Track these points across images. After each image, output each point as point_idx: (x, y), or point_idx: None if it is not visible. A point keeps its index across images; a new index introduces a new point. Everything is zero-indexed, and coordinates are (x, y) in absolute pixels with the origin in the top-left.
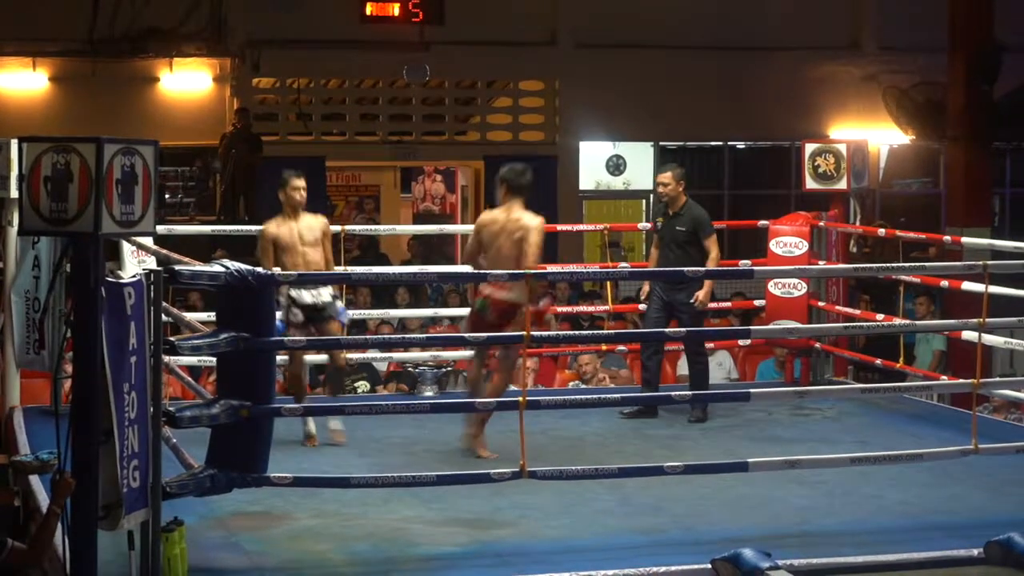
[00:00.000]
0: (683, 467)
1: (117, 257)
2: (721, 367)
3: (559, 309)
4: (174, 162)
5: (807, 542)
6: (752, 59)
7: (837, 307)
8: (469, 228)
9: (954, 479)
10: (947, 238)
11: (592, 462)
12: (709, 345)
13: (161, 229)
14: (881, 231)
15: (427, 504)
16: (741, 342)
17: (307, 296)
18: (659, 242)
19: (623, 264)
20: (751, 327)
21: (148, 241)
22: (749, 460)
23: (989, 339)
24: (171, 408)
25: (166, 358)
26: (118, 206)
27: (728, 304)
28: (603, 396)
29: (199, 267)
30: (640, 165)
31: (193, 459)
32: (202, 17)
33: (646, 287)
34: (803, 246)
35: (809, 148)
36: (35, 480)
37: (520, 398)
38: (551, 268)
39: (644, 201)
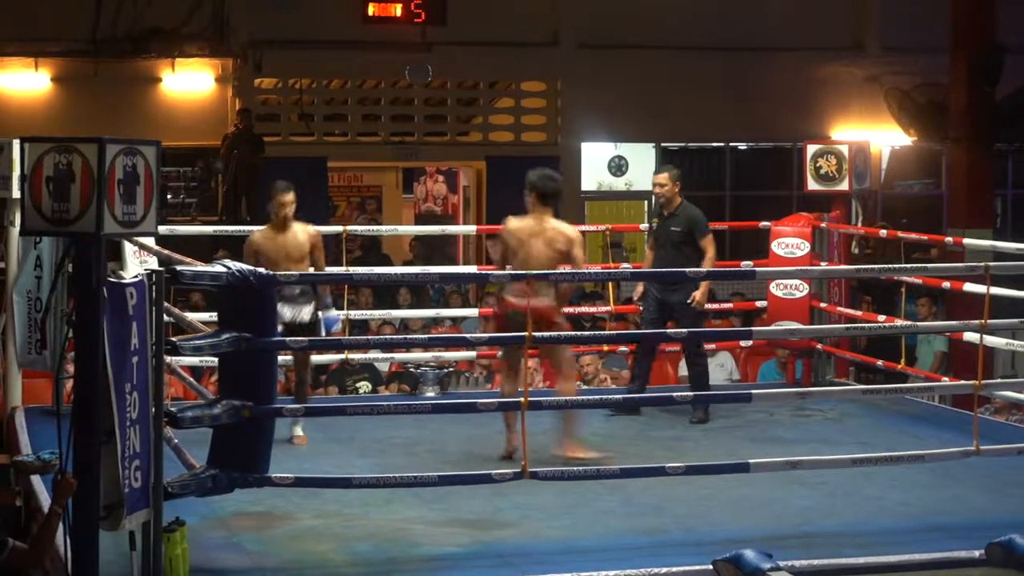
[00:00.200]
0: (685, 468)
1: (119, 257)
2: (723, 368)
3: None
4: (176, 162)
5: (808, 543)
6: (754, 60)
7: (839, 308)
8: (471, 229)
9: (955, 480)
10: (949, 239)
11: (594, 463)
12: (710, 346)
13: (163, 229)
14: (883, 232)
15: (429, 504)
16: (743, 343)
17: (287, 313)
18: (654, 243)
19: (625, 265)
20: (753, 328)
21: (150, 241)
22: (751, 461)
23: (991, 340)
24: (173, 408)
25: (168, 358)
26: (120, 206)
27: (729, 305)
28: (605, 397)
29: (201, 267)
30: (642, 166)
31: (195, 459)
32: (204, 17)
33: (639, 288)
34: (805, 247)
35: (811, 149)
36: (37, 480)
37: (522, 399)
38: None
39: (646, 202)
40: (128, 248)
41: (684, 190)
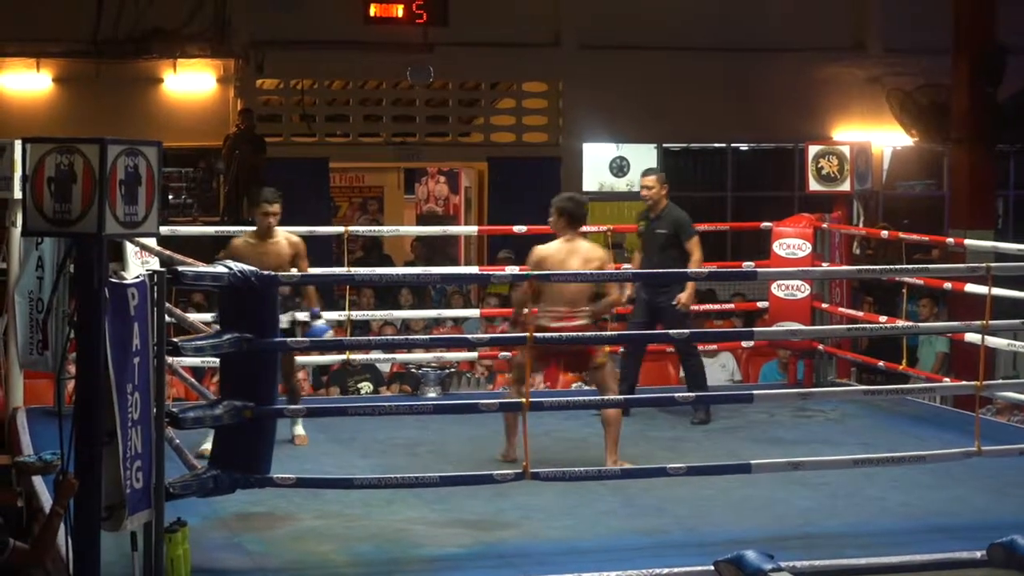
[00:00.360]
0: (686, 469)
1: (120, 258)
2: (724, 369)
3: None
4: (177, 163)
5: (810, 544)
6: (755, 61)
7: (840, 309)
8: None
9: (957, 481)
10: (950, 240)
11: (595, 463)
12: (712, 347)
13: (164, 230)
14: (884, 233)
15: (430, 505)
16: (744, 344)
17: None
18: (642, 246)
19: (626, 266)
20: (754, 329)
21: (151, 242)
22: (752, 462)
23: (992, 341)
24: (174, 409)
25: (169, 359)
26: (121, 207)
27: (731, 306)
28: (606, 398)
29: (202, 268)
30: (643, 167)
31: (196, 460)
32: (206, 18)
33: (628, 290)
34: (806, 248)
35: (812, 150)
36: (38, 481)
37: (524, 400)
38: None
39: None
40: (130, 249)
41: (686, 190)
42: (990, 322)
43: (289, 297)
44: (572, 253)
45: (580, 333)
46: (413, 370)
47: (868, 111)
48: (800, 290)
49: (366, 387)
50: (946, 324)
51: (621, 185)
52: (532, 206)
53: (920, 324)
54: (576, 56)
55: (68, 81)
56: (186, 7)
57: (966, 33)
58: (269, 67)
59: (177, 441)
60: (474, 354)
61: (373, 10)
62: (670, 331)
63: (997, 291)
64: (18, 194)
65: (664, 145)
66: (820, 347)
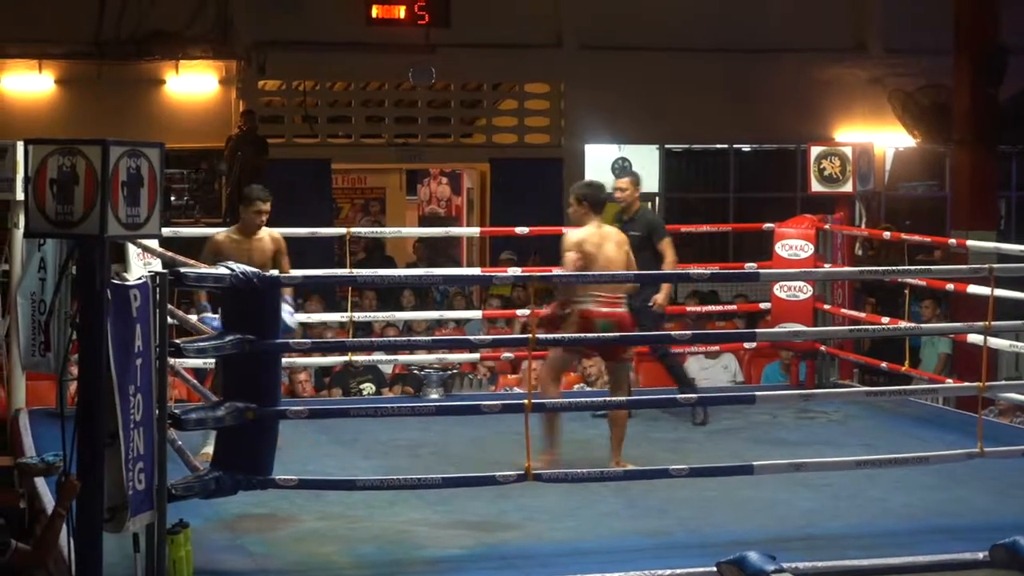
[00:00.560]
0: (688, 470)
1: (123, 259)
2: (726, 370)
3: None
4: (180, 164)
5: (812, 545)
6: (757, 61)
7: (842, 310)
8: (474, 231)
9: (959, 482)
10: (952, 241)
11: (598, 465)
12: (714, 348)
13: (166, 231)
14: (886, 234)
15: (433, 507)
16: (747, 345)
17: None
18: None
19: None
20: (756, 330)
21: (154, 243)
22: (754, 463)
23: (995, 342)
24: (176, 410)
25: (171, 360)
26: (124, 208)
27: (733, 307)
28: (608, 399)
29: (204, 269)
30: (645, 167)
31: (198, 461)
32: (208, 20)
33: None
34: (808, 249)
35: (814, 151)
36: (41, 482)
37: (526, 401)
38: (556, 271)
39: (649, 204)
40: (132, 250)
41: (688, 192)
42: (992, 323)
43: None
44: (605, 238)
45: (583, 335)
46: (415, 371)
47: (870, 112)
48: (802, 291)
49: (368, 388)
50: (948, 325)
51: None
52: (534, 207)
53: (922, 325)
54: (578, 57)
55: (70, 82)
56: (188, 9)
57: (967, 33)
58: (271, 68)
59: (179, 442)
60: (476, 355)
61: (375, 11)
62: (672, 333)
63: (999, 292)
64: (20, 195)
65: (666, 146)
66: (822, 348)
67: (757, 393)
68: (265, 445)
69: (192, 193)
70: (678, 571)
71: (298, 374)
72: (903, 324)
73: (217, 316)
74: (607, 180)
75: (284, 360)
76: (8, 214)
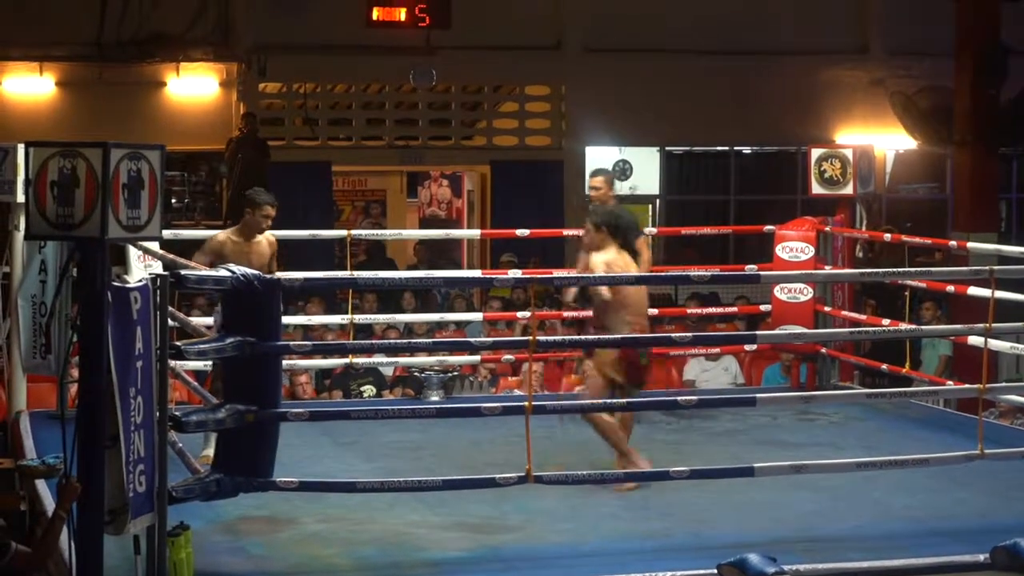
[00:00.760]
0: (689, 472)
1: (123, 262)
2: (727, 372)
3: (565, 314)
4: (180, 167)
5: (813, 547)
6: (758, 63)
7: (843, 312)
8: (475, 233)
9: (960, 484)
10: (953, 243)
11: (598, 467)
12: (715, 350)
13: (167, 234)
14: (887, 236)
15: (433, 509)
16: (747, 347)
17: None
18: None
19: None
20: (757, 332)
21: (154, 246)
22: (755, 465)
23: (995, 344)
24: (177, 412)
25: (172, 362)
26: (124, 211)
27: (734, 309)
28: (608, 401)
29: (205, 272)
30: (646, 170)
31: (198, 463)
32: (209, 22)
33: (573, 291)
34: (809, 251)
35: (815, 153)
36: (41, 484)
37: (526, 403)
38: (557, 273)
39: (650, 206)
40: (132, 252)
41: (689, 194)
42: (993, 325)
43: None
44: (628, 264)
45: (583, 337)
46: (416, 373)
47: (871, 114)
48: (803, 293)
49: (369, 390)
50: (949, 327)
51: (624, 188)
52: (535, 209)
53: (923, 327)
54: (579, 59)
55: (71, 85)
56: (189, 11)
57: (968, 35)
58: (272, 71)
59: (180, 445)
60: (477, 357)
61: (376, 14)
62: (673, 335)
63: (1000, 294)
64: (21, 198)
65: (667, 148)
66: (823, 350)
67: (758, 395)
68: (265, 447)
69: (193, 195)
70: (678, 573)
71: (299, 376)
72: (903, 326)
73: None
74: None
75: (285, 362)
76: (9, 216)
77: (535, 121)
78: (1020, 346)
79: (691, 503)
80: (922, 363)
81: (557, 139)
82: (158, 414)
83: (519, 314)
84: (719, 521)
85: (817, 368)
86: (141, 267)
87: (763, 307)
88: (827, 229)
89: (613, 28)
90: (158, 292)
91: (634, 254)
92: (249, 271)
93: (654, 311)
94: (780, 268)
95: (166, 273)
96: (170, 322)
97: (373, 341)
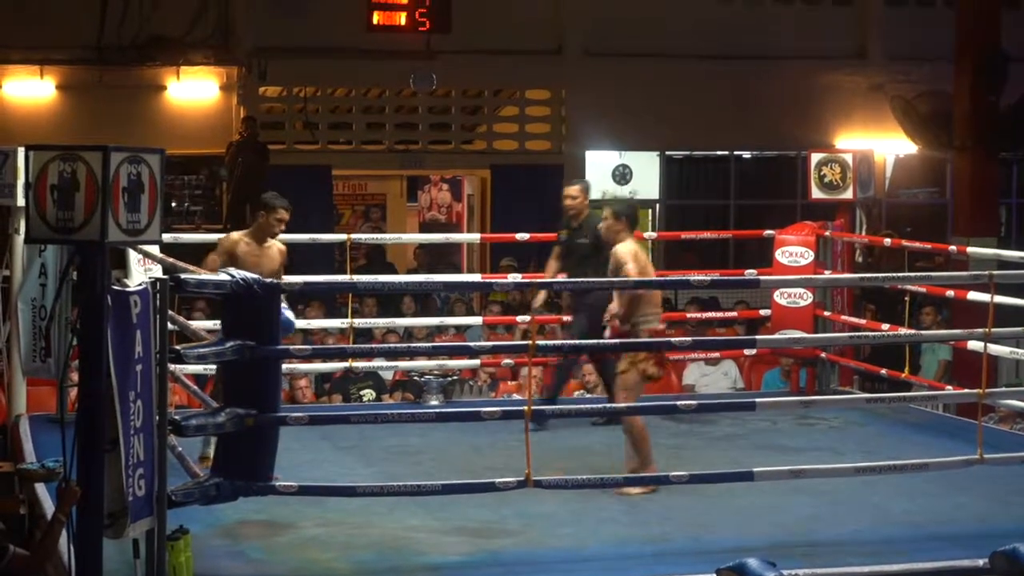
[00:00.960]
0: (688, 476)
1: (123, 265)
2: (727, 376)
3: (564, 319)
4: (180, 170)
5: (812, 551)
6: (758, 68)
7: (843, 317)
8: (475, 237)
9: (959, 489)
10: (953, 248)
11: (598, 471)
12: (715, 354)
13: (167, 237)
14: (887, 241)
15: (432, 513)
16: (747, 352)
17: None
18: (559, 254)
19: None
20: (757, 337)
21: (154, 249)
22: (755, 469)
23: (995, 349)
24: (176, 416)
25: (172, 366)
26: (124, 214)
27: (734, 314)
28: (608, 405)
29: (205, 276)
30: (646, 174)
31: (198, 467)
32: (209, 25)
33: (541, 295)
34: (809, 256)
35: (815, 158)
36: (41, 488)
37: (526, 407)
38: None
39: (651, 210)
40: (132, 256)
41: (688, 198)
42: (993, 330)
43: None
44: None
45: (581, 342)
46: (416, 378)
47: (870, 119)
48: (803, 298)
49: (368, 395)
50: (948, 332)
51: (624, 193)
52: (535, 214)
53: (923, 332)
54: (579, 64)
55: (71, 88)
56: (189, 15)
57: (968, 40)
58: (272, 75)
59: (179, 449)
60: (476, 362)
61: (376, 18)
62: (673, 340)
63: (1000, 299)
64: (21, 201)
65: (667, 153)
66: (823, 355)
67: (757, 400)
68: (265, 451)
69: (193, 199)
70: None
71: (298, 380)
72: (903, 331)
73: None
74: (608, 187)
75: (284, 366)
76: (9, 220)
77: (535, 125)
78: (1020, 351)
79: (691, 507)
80: (921, 368)
81: (557, 143)
82: (158, 418)
83: (519, 318)
84: (719, 525)
85: (817, 373)
86: (141, 271)
87: (763, 312)
88: (827, 234)
89: (613, 32)
90: (158, 296)
91: (605, 264)
92: (249, 275)
93: None
94: (780, 273)
95: (166, 277)
96: (170, 326)
97: (373, 345)
